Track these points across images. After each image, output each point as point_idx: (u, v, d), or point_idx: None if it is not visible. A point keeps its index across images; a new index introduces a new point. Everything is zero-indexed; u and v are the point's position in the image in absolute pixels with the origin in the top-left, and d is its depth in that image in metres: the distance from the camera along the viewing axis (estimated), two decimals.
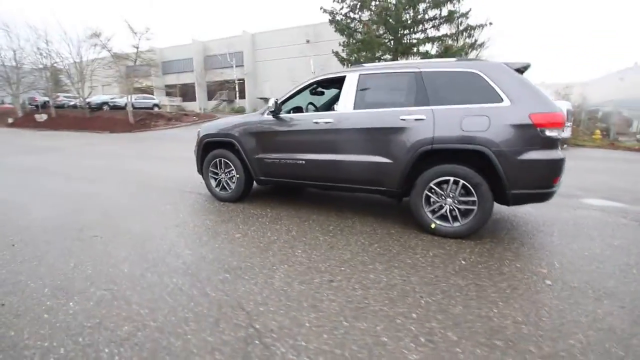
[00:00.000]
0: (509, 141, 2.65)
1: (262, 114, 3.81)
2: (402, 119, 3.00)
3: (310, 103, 4.33)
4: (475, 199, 2.82)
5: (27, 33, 39.50)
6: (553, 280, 2.25)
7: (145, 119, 21.18)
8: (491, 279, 2.26)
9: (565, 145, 9.99)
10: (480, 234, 3.02)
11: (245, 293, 2.07)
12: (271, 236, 3.03)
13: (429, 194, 2.99)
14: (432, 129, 2.86)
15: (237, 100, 35.97)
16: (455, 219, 2.94)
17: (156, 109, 25.62)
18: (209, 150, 4.21)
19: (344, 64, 19.30)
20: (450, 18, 16.81)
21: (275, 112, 3.64)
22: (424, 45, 17.65)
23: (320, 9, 18.65)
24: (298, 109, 4.13)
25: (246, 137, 3.84)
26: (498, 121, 2.68)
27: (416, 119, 2.94)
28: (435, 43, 17.49)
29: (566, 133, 10.22)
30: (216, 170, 4.20)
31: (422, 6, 16.73)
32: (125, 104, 21.09)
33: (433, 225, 2.99)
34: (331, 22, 18.55)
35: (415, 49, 17.52)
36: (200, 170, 4.35)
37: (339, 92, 4.42)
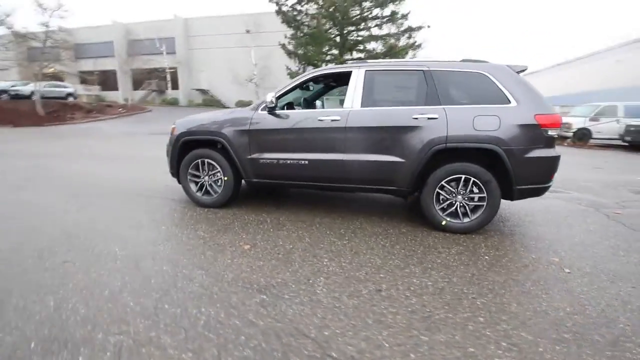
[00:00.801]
0: (517, 140, 2.81)
1: (255, 109, 3.46)
2: (414, 118, 2.97)
3: (305, 99, 4.08)
4: (484, 195, 2.94)
5: None
6: (569, 267, 2.45)
7: (59, 111, 18.16)
8: (520, 272, 2.37)
9: None
10: (483, 227, 3.18)
11: (297, 315, 1.83)
12: (285, 245, 2.77)
13: (440, 191, 3.04)
14: (446, 128, 2.90)
15: (170, 90, 33.02)
16: (464, 215, 3.04)
17: (71, 99, 22.03)
18: (188, 149, 3.70)
19: (290, 57, 18.97)
20: (392, 18, 17.62)
21: (273, 109, 3.33)
22: (369, 43, 18.22)
23: None
24: (289, 105, 3.85)
25: (236, 135, 3.45)
26: (507, 121, 2.81)
27: (429, 118, 2.94)
28: (379, 41, 18.19)
29: None
30: (197, 173, 3.71)
31: (367, 4, 17.18)
32: (32, 93, 17.71)
33: (444, 222, 3.05)
34: (277, 12, 18.02)
35: (361, 46, 18.00)
36: (176, 172, 3.80)
37: (324, 87, 4.28)
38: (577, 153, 10.31)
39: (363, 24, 18.03)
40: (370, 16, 17.79)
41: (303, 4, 18.04)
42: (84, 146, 9.36)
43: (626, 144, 11.47)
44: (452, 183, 3.01)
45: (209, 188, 3.71)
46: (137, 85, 32.41)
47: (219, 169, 3.61)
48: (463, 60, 3.13)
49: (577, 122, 12.38)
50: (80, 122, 17.43)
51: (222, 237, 2.91)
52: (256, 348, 1.58)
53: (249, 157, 3.44)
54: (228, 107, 30.05)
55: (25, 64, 17.89)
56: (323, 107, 4.53)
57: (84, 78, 27.59)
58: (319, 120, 3.21)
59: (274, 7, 18.06)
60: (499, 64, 3.03)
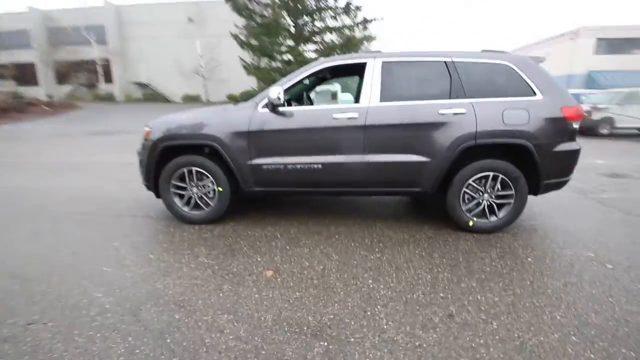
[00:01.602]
0: (546, 134, 2.71)
1: (254, 107, 2.94)
2: (441, 113, 2.73)
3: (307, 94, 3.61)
4: (512, 192, 2.82)
5: None
6: (609, 262, 2.41)
7: None
8: (572, 273, 2.26)
9: None
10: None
11: None
12: (313, 266, 2.37)
13: (466, 190, 2.85)
14: (475, 123, 2.70)
15: (102, 85, 29.60)
16: (491, 213, 2.90)
17: None
18: (170, 157, 3.06)
19: (244, 48, 17.96)
20: (347, 9, 17.48)
21: (277, 106, 2.85)
22: (325, 34, 17.91)
23: None
24: (288, 101, 3.37)
25: (233, 138, 2.91)
26: (535, 114, 2.69)
27: (456, 113, 2.72)
28: (334, 32, 17.96)
29: None
30: (183, 184, 3.09)
31: None
32: None
33: (471, 223, 2.88)
34: (227, 0, 16.81)
35: (317, 38, 17.63)
36: (154, 185, 3.14)
37: (314, 81, 3.87)
38: None
39: (318, 14, 17.63)
40: (325, 6, 17.43)
41: None
42: (13, 154, 7.74)
43: None
44: (478, 181, 2.84)
45: (198, 201, 3.12)
46: (62, 79, 28.50)
47: (211, 178, 3.04)
48: (483, 51, 2.95)
49: (598, 110, 10.86)
50: None
51: (232, 263, 2.41)
52: None
53: (250, 163, 2.93)
54: (173, 102, 28.01)
55: None
56: (311, 102, 4.10)
57: None
58: (334, 118, 2.81)
59: None
60: (521, 55, 2.91)
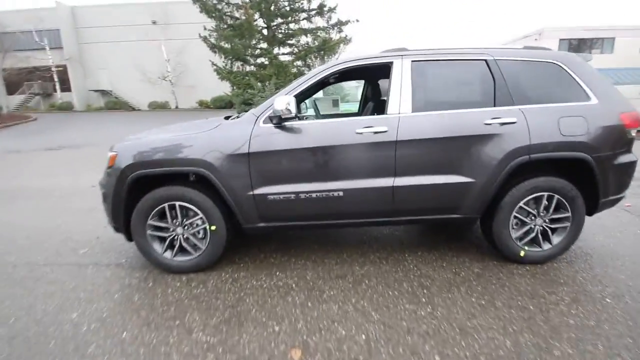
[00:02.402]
0: (605, 145, 2.29)
1: (254, 122, 2.31)
2: (486, 124, 2.24)
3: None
4: (569, 214, 2.38)
5: None
6: None
7: None
8: None
9: None
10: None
11: None
12: (350, 333, 1.78)
13: (517, 214, 2.39)
14: (528, 135, 2.23)
15: (59, 93, 27.39)
16: (544, 239, 2.45)
17: None
18: (144, 188, 2.35)
19: (214, 52, 17.03)
20: (320, 11, 17.06)
21: (285, 120, 2.25)
22: (300, 37, 17.38)
23: None
24: None
25: (228, 162, 2.26)
26: (593, 123, 2.27)
27: (504, 123, 2.24)
28: (309, 35, 17.49)
29: None
30: (163, 224, 2.40)
31: None
32: None
33: (522, 253, 2.42)
34: (194, 1, 15.83)
35: (293, 40, 17.07)
36: (124, 226, 2.42)
37: (325, 84, 3.29)
38: None
39: (292, 16, 17.05)
40: (298, 8, 16.89)
41: None
42: None
43: None
44: (529, 202, 2.38)
45: (184, 244, 2.43)
46: (12, 88, 26.02)
47: (200, 214, 2.37)
48: (525, 47, 2.51)
49: None
50: None
51: (240, 337, 1.77)
52: None
53: (252, 193, 2.30)
54: (138, 110, 26.24)
55: None
56: (315, 111, 3.52)
57: None
58: (357, 133, 2.25)
59: None
60: (569, 53, 2.49)
